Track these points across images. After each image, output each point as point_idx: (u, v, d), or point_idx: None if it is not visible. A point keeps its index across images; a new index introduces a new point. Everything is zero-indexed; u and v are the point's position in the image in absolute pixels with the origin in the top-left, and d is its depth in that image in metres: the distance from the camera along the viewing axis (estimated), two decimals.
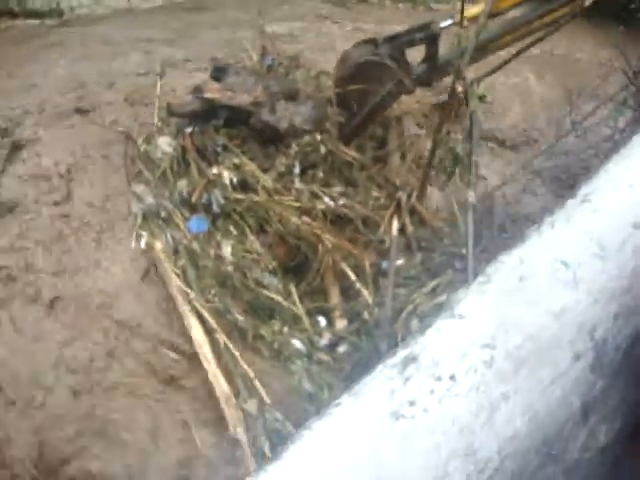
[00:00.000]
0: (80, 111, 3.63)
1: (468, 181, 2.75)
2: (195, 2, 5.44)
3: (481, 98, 3.05)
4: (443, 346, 1.20)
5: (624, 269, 1.43)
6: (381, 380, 1.13)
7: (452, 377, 1.13)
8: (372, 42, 3.31)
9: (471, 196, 2.63)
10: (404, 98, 3.51)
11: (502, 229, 3.22)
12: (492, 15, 3.03)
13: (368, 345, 2.81)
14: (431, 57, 3.31)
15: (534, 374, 1.19)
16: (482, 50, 3.20)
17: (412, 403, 1.07)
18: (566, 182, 3.51)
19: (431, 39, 3.23)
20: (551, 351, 1.23)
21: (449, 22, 3.21)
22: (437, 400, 1.09)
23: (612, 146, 3.25)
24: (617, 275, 1.42)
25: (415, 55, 3.32)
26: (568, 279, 1.35)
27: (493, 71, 3.13)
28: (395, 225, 3.12)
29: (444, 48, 3.32)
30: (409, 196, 3.19)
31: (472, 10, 3.15)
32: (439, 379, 1.12)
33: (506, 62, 3.09)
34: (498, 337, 1.21)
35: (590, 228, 1.51)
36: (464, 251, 2.86)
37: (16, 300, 2.73)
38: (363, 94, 3.30)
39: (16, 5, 5.23)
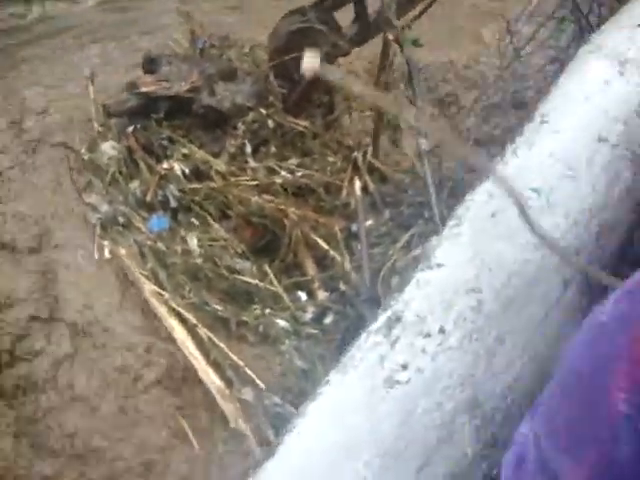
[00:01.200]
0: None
1: (418, 128, 2.69)
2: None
3: (414, 42, 2.98)
4: (426, 299, 1.14)
5: (597, 185, 1.38)
6: (368, 348, 1.07)
7: (441, 330, 1.08)
8: (300, 10, 3.20)
9: (423, 143, 2.57)
10: (342, 60, 3.42)
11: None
12: None
13: (353, 312, 2.76)
14: (360, 16, 3.21)
15: (526, 311, 1.14)
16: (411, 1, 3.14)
17: (404, 366, 1.01)
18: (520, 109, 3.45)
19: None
20: (539, 283, 1.18)
21: None
22: (430, 358, 1.04)
23: (559, 66, 3.20)
24: (591, 193, 1.37)
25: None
26: (542, 206, 1.29)
27: (420, 13, 3.05)
28: (357, 185, 3.06)
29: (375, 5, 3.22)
30: (364, 154, 3.12)
31: None
32: (428, 335, 1.07)
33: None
34: (482, 279, 1.16)
35: (554, 149, 1.45)
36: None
37: None
38: (300, 63, 3.19)
39: None
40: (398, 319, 1.10)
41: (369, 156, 3.15)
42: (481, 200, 1.33)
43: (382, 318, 1.11)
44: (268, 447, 2.24)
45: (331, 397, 1.01)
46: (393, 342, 1.05)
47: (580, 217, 1.31)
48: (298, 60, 3.16)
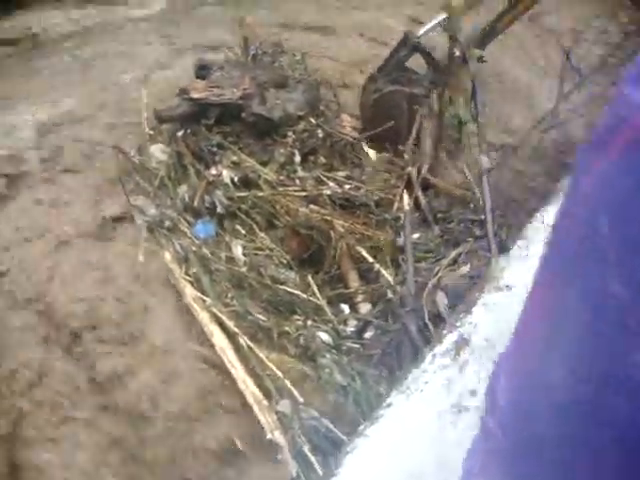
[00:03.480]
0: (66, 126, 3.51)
1: (479, 145, 2.64)
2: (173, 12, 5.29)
3: (479, 59, 2.96)
4: (495, 323, 1.08)
5: None
6: (434, 371, 1.01)
7: None
8: (372, 78, 3.47)
9: (484, 161, 2.52)
10: None
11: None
12: None
13: (395, 326, 2.71)
14: (430, 62, 3.37)
15: None
16: (492, 33, 3.27)
17: (473, 392, 0.95)
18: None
19: (416, 50, 3.36)
20: None
21: (426, 29, 3.34)
22: None
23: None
24: None
25: None
26: None
27: (486, 35, 3.06)
28: (406, 200, 3.02)
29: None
30: (419, 169, 3.09)
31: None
32: None
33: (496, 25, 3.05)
34: None
35: None
36: (483, 217, 2.77)
37: None
38: (392, 123, 3.35)
39: None
40: (466, 342, 1.04)
41: (424, 171, 3.11)
42: (551, 221, 1.27)
43: (448, 340, 1.06)
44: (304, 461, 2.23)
45: (394, 421, 0.96)
46: (461, 366, 1.00)
47: None
48: (389, 122, 3.30)
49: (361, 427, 0.93)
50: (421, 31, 3.34)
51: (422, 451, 0.90)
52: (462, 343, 1.05)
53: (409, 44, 3.35)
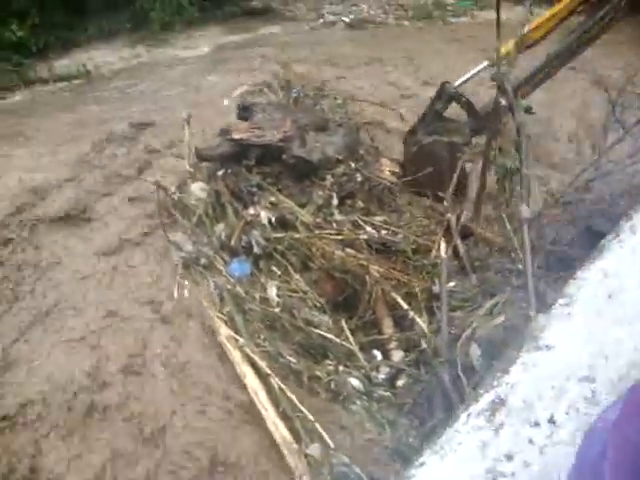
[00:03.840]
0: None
1: (520, 195, 2.61)
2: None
3: (527, 110, 2.96)
4: (534, 384, 1.04)
5: None
6: (468, 431, 0.98)
7: (551, 420, 0.98)
8: (412, 132, 3.57)
9: (525, 210, 2.48)
10: None
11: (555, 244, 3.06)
12: (528, 47, 3.21)
13: (428, 376, 2.66)
14: (470, 110, 3.45)
15: None
16: (533, 83, 3.37)
17: (509, 457, 0.92)
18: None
19: (454, 99, 3.45)
20: None
21: (465, 78, 3.42)
22: (538, 450, 0.94)
23: None
24: None
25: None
26: None
27: (534, 84, 3.07)
28: (443, 247, 2.99)
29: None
30: (459, 216, 3.06)
31: (505, 48, 3.18)
32: (537, 424, 0.97)
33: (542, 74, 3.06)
34: (597, 367, 1.05)
35: None
36: (520, 267, 2.73)
37: None
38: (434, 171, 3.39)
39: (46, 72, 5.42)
40: (502, 403, 1.00)
41: (463, 219, 3.09)
42: (595, 279, 1.23)
43: (484, 400, 1.02)
44: None
45: None
46: (497, 428, 0.96)
47: None
48: (430, 175, 3.34)
49: None
50: (458, 81, 3.40)
51: None
52: (498, 404, 1.01)
53: (446, 94, 3.41)
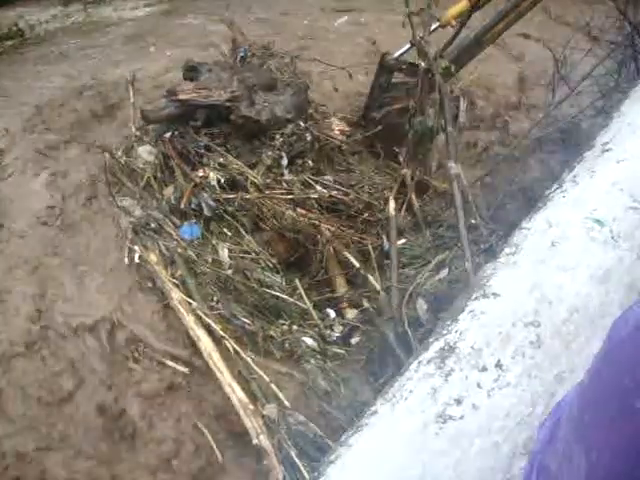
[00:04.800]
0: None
1: (448, 153, 2.65)
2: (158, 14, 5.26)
3: (445, 69, 2.98)
4: (482, 331, 1.07)
5: None
6: (419, 379, 0.99)
7: (498, 365, 1.00)
8: (367, 109, 3.59)
9: (454, 167, 2.51)
10: None
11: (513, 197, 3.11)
12: (478, 8, 3.13)
13: (377, 333, 2.70)
14: (413, 74, 3.33)
15: (588, 348, 1.06)
16: (478, 45, 3.28)
17: (458, 401, 0.94)
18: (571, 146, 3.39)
19: (395, 70, 3.42)
20: (602, 320, 1.10)
21: (402, 51, 3.35)
22: (486, 394, 0.96)
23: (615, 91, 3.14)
24: None
25: None
26: (606, 237, 1.22)
27: (447, 44, 3.07)
28: (392, 204, 3.00)
29: None
30: (413, 173, 3.08)
31: (454, 9, 3.19)
32: (484, 369, 0.99)
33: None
34: (541, 312, 1.08)
35: (617, 179, 1.38)
36: (473, 221, 2.78)
37: None
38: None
39: None
40: (452, 350, 1.02)
41: (417, 175, 3.11)
42: (540, 228, 1.26)
43: (434, 347, 1.04)
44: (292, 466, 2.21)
45: (378, 430, 0.94)
46: (446, 374, 0.98)
47: None
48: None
49: (344, 436, 0.91)
50: (398, 52, 3.36)
51: (407, 463, 0.89)
52: (448, 351, 1.03)
53: (386, 67, 3.39)
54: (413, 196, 3.06)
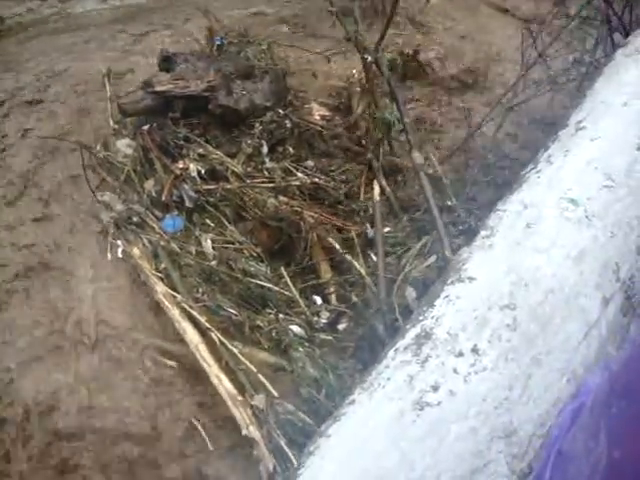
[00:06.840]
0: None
1: (410, 143, 2.66)
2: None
3: (391, 62, 2.98)
4: (458, 316, 1.06)
5: (637, 195, 1.30)
6: (395, 367, 0.99)
7: (475, 350, 1.00)
8: None
9: (417, 157, 2.52)
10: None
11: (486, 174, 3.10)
12: None
13: (367, 321, 2.70)
14: None
15: (564, 330, 1.06)
16: None
17: (435, 388, 0.94)
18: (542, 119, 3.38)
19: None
20: (577, 300, 1.10)
21: None
22: (462, 379, 0.96)
23: (591, 69, 3.13)
24: (631, 203, 1.28)
25: None
26: (580, 217, 1.21)
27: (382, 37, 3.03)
28: (376, 191, 3.00)
29: None
30: (377, 157, 3.08)
31: None
32: (460, 354, 0.99)
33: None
34: (517, 295, 1.08)
35: (591, 157, 1.37)
36: (449, 203, 2.78)
37: None
38: None
39: None
40: (428, 336, 1.02)
41: (382, 157, 3.10)
42: (515, 210, 1.25)
43: (410, 334, 1.04)
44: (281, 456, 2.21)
45: (356, 419, 0.94)
46: (423, 361, 0.98)
47: (618, 229, 1.22)
48: None
49: (323, 426, 0.91)
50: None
51: (384, 451, 0.89)
52: (424, 337, 1.03)
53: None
54: (383, 181, 3.04)
